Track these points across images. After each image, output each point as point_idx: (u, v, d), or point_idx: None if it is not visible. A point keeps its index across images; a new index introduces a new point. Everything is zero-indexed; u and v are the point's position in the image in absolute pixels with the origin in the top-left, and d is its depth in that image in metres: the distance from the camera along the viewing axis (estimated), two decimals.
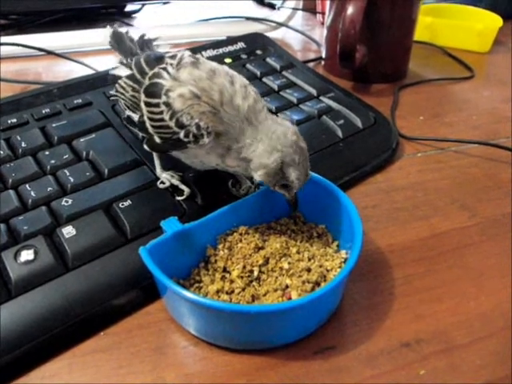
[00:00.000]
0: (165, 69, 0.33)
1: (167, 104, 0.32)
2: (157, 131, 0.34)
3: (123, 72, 0.38)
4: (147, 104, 0.33)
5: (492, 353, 0.29)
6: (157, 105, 0.33)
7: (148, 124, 0.34)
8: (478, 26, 0.70)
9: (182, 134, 0.32)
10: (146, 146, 0.35)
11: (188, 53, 0.35)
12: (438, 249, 0.36)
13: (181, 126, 0.32)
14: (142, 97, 0.34)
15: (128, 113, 0.37)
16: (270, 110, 0.46)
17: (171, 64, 0.34)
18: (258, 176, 0.32)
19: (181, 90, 0.32)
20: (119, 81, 0.37)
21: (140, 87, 0.35)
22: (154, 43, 0.41)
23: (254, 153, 0.32)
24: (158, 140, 0.34)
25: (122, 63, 0.39)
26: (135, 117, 0.36)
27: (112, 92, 0.39)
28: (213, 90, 0.32)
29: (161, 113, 0.32)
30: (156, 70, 0.34)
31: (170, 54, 0.36)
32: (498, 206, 0.40)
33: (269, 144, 0.31)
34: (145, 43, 0.40)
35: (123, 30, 0.41)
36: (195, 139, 0.31)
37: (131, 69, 0.36)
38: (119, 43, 0.40)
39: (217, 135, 0.32)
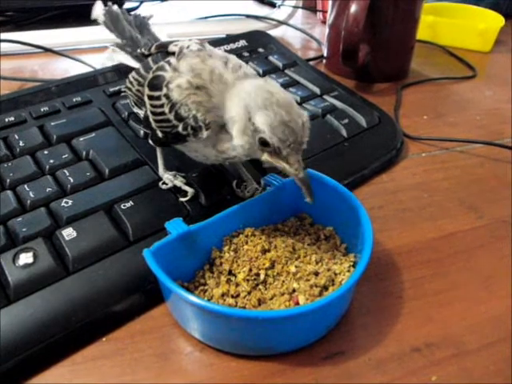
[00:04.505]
0: (168, 61, 0.33)
1: (167, 96, 0.31)
2: (158, 125, 0.33)
3: (120, 57, 0.36)
4: (150, 97, 0.33)
5: (505, 358, 0.28)
6: (158, 97, 0.32)
7: (151, 118, 0.33)
8: (479, 26, 0.70)
9: (180, 128, 0.31)
10: (150, 141, 0.35)
11: (192, 42, 0.34)
12: (446, 251, 0.36)
13: (179, 118, 0.31)
14: (146, 90, 0.33)
15: (135, 110, 0.36)
16: None
17: (173, 53, 0.33)
18: (237, 141, 0.30)
19: (179, 80, 0.31)
20: (129, 75, 0.36)
21: (144, 80, 0.34)
22: (151, 24, 0.39)
23: (226, 115, 0.30)
24: (160, 134, 0.33)
25: (118, 46, 0.37)
26: (141, 113, 0.35)
27: (122, 88, 0.38)
28: (204, 71, 0.31)
29: (162, 106, 0.32)
30: (160, 63, 0.33)
31: (175, 43, 0.35)
32: (506, 207, 0.40)
33: (237, 99, 0.29)
34: (142, 24, 0.39)
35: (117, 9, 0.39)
36: (194, 132, 0.31)
37: (127, 52, 0.34)
38: (115, 24, 0.38)
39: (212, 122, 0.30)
